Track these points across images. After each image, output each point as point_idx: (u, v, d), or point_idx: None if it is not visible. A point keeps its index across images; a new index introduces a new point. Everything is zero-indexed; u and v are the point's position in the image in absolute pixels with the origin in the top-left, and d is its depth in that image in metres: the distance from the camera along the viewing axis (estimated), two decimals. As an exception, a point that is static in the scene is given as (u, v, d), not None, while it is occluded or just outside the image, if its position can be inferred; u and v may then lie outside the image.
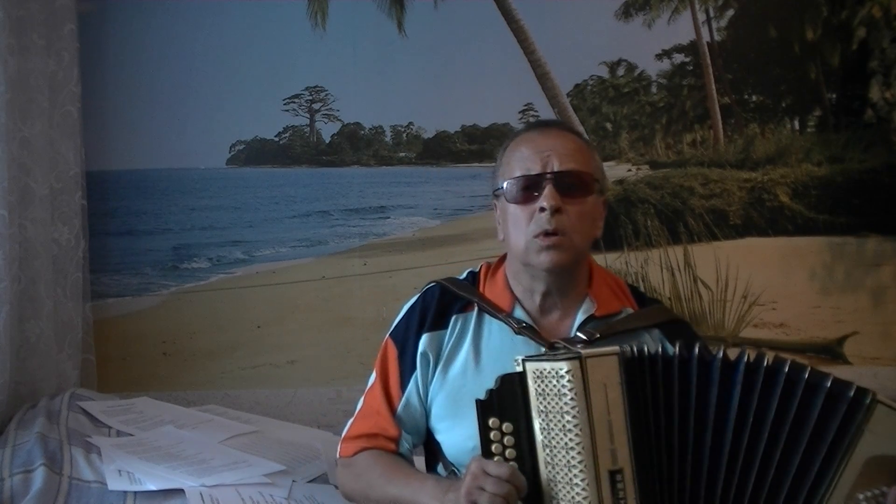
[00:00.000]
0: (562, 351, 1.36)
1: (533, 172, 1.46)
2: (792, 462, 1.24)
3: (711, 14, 2.70)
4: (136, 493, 1.83)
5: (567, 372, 1.23)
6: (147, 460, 1.96)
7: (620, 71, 2.77)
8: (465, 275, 1.64)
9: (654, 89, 2.78)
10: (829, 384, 1.23)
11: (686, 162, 2.74)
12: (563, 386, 1.23)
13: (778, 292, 2.67)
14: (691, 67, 2.73)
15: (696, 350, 1.28)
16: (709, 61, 2.72)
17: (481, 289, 1.58)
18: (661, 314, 1.56)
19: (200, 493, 1.81)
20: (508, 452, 1.27)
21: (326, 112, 2.82)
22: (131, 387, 2.63)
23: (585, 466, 1.22)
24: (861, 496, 1.20)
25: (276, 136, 2.84)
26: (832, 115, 2.71)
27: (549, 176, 1.45)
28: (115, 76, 2.70)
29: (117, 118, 2.71)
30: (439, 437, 1.55)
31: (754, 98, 2.75)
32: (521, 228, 1.47)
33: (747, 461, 1.25)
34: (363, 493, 1.53)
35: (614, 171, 2.77)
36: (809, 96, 2.72)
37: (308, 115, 2.82)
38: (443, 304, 1.56)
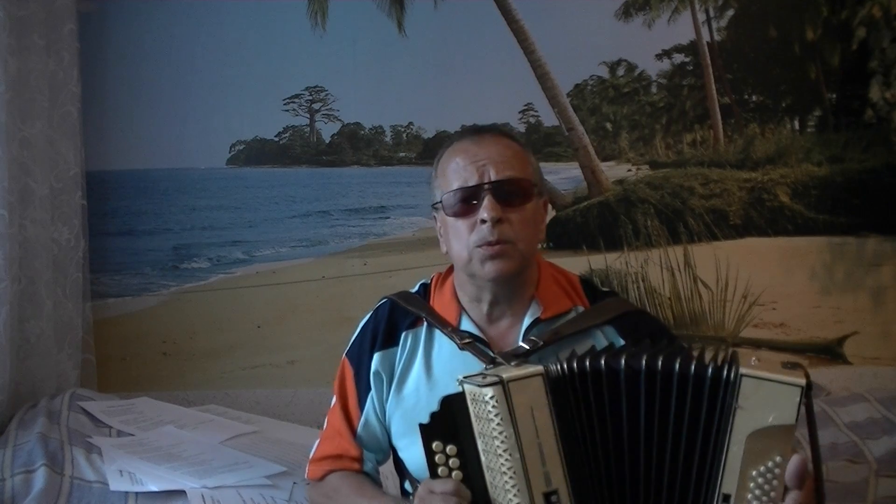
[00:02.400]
0: (498, 367, 1.32)
1: (470, 184, 1.42)
2: (687, 457, 1.21)
3: (711, 14, 2.70)
4: (137, 493, 1.83)
5: (491, 398, 1.20)
6: (148, 461, 1.96)
7: (620, 71, 2.77)
8: (417, 287, 1.61)
9: (654, 89, 2.78)
10: (692, 370, 1.20)
11: (686, 162, 2.75)
12: (489, 411, 1.20)
13: (778, 292, 2.67)
14: (691, 67, 2.73)
15: (623, 360, 1.23)
16: (709, 61, 2.72)
17: (431, 301, 1.56)
18: (613, 308, 1.50)
19: (202, 495, 1.81)
20: (455, 475, 1.24)
21: (326, 112, 2.82)
22: (131, 387, 2.63)
23: (519, 490, 1.19)
24: (754, 472, 1.16)
25: (276, 136, 2.84)
26: (832, 115, 2.71)
27: (486, 186, 1.41)
28: (115, 76, 2.70)
29: (117, 118, 2.71)
30: (402, 455, 1.54)
31: (754, 98, 2.75)
32: (462, 240, 1.43)
33: (660, 465, 1.23)
34: None
35: (614, 171, 2.77)
36: (809, 96, 2.72)
37: (308, 115, 2.82)
38: (392, 321, 1.54)
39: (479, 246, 1.41)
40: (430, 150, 2.85)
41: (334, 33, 2.71)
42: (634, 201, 2.72)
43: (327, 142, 2.87)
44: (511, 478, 1.20)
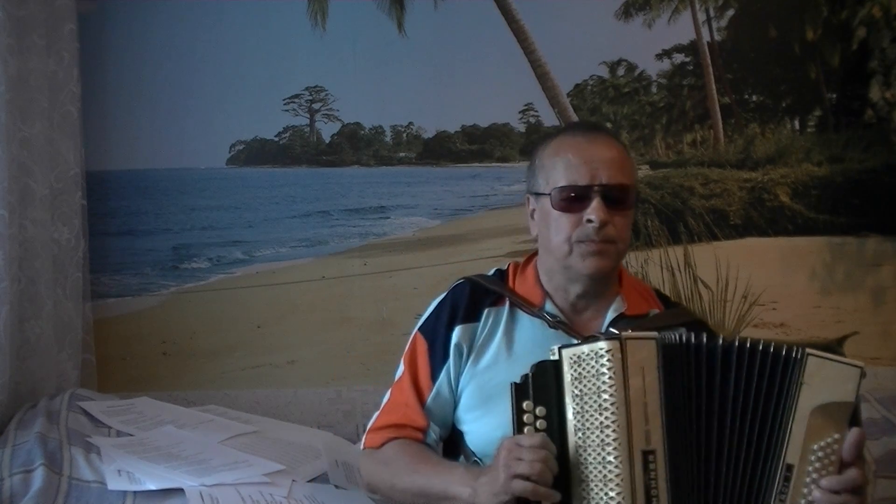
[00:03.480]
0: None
1: (581, 183, 1.48)
2: (761, 427, 1.30)
3: (711, 14, 2.70)
4: (135, 492, 1.83)
5: (607, 351, 1.26)
6: (147, 460, 1.95)
7: (620, 71, 2.77)
8: (492, 272, 1.67)
9: (654, 89, 2.78)
10: (771, 349, 1.31)
11: (686, 162, 2.75)
12: (602, 365, 1.27)
13: (778, 292, 2.67)
14: (691, 67, 2.73)
15: (721, 339, 1.33)
16: (709, 61, 2.72)
17: (511, 285, 1.62)
18: (684, 315, 1.63)
19: (200, 493, 1.81)
20: (541, 434, 1.29)
21: (326, 112, 2.82)
22: (131, 387, 2.63)
23: (619, 444, 1.25)
24: (815, 447, 1.25)
25: (276, 136, 2.84)
26: (832, 115, 2.71)
27: (597, 188, 1.47)
28: (115, 76, 2.70)
29: (117, 118, 2.71)
30: (465, 427, 1.58)
31: (754, 98, 2.75)
32: (564, 233, 1.50)
33: (741, 435, 1.31)
34: (389, 483, 1.54)
35: (614, 171, 2.77)
36: (809, 96, 2.72)
37: (308, 115, 2.82)
38: (474, 298, 1.59)
39: (582, 241, 1.48)
40: (430, 150, 2.85)
41: (334, 33, 2.71)
42: (634, 201, 2.72)
43: (327, 142, 2.87)
44: (614, 431, 1.25)
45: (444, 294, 1.65)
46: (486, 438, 1.49)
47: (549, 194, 1.51)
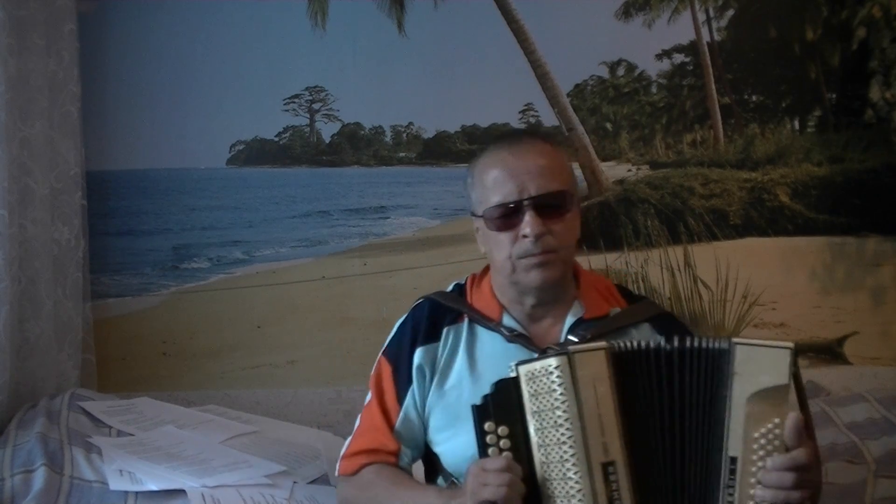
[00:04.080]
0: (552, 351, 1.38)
1: (511, 199, 1.45)
2: (701, 425, 1.30)
3: (711, 14, 2.70)
4: (137, 493, 1.83)
5: (556, 367, 1.26)
6: (148, 460, 1.96)
7: (620, 71, 2.77)
8: (452, 287, 1.64)
9: (654, 89, 2.78)
10: (694, 345, 1.31)
11: (686, 162, 2.75)
12: (553, 382, 1.27)
13: (778, 292, 2.67)
14: (691, 67, 2.73)
15: (676, 341, 1.32)
16: (709, 61, 2.72)
17: (469, 300, 1.59)
18: (648, 310, 1.58)
19: (202, 494, 1.81)
20: (505, 455, 1.29)
21: (326, 112, 2.82)
22: (131, 387, 2.63)
23: (578, 459, 1.25)
24: (757, 434, 1.24)
25: (276, 136, 2.84)
26: (832, 115, 2.71)
27: (527, 202, 1.44)
28: (115, 76, 2.70)
29: (117, 118, 2.70)
30: (438, 449, 1.56)
31: (754, 98, 2.75)
32: (504, 251, 1.47)
33: (682, 435, 1.31)
34: None
35: (614, 171, 2.77)
36: (809, 96, 2.72)
37: (308, 115, 2.82)
38: (434, 318, 1.57)
39: (523, 257, 1.45)
40: (430, 150, 2.85)
41: (334, 33, 2.71)
42: (634, 201, 2.72)
43: (327, 142, 2.87)
44: (571, 447, 1.25)
45: (406, 315, 1.63)
46: (460, 458, 1.47)
47: (483, 215, 1.49)
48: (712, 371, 1.29)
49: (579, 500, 1.25)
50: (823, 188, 2.68)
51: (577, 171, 2.74)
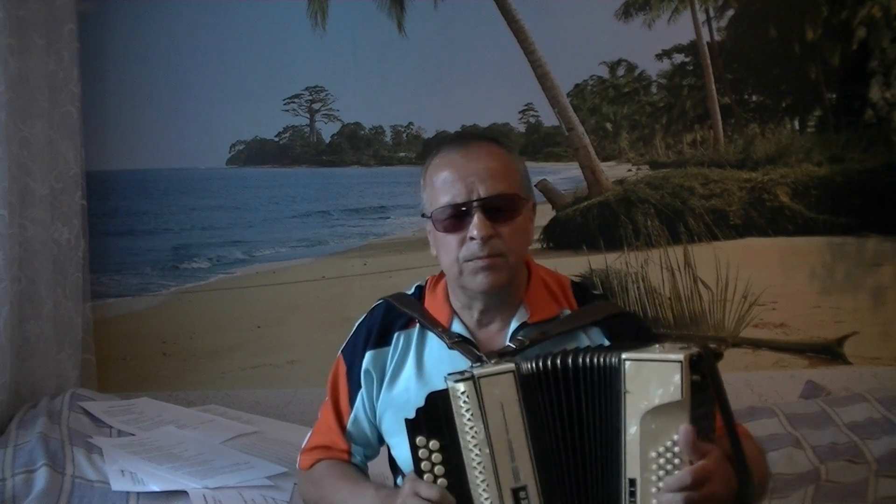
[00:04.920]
0: (484, 364, 1.34)
1: (459, 200, 1.42)
2: (598, 446, 1.25)
3: (711, 14, 2.70)
4: (139, 493, 1.83)
5: (462, 392, 1.23)
6: (149, 461, 1.96)
7: (620, 71, 2.77)
8: (413, 289, 1.63)
9: (654, 89, 2.78)
10: (582, 362, 1.25)
11: (686, 162, 2.75)
12: (461, 406, 1.24)
13: (778, 292, 2.67)
14: (691, 67, 2.73)
15: (571, 357, 1.27)
16: (709, 61, 2.72)
17: (425, 302, 1.57)
18: (599, 311, 1.51)
19: (204, 496, 1.81)
20: (437, 469, 1.26)
21: (326, 112, 2.82)
22: (131, 387, 2.63)
23: (488, 485, 1.23)
24: (654, 454, 1.18)
25: (276, 136, 2.84)
26: (832, 115, 2.71)
27: (475, 203, 1.41)
28: (115, 76, 2.70)
29: (117, 118, 2.71)
30: (394, 452, 1.57)
31: (754, 98, 2.76)
32: (452, 254, 1.44)
33: (583, 457, 1.26)
34: (318, 501, 1.56)
35: (614, 171, 2.77)
36: (809, 96, 2.72)
37: (308, 115, 2.82)
38: (386, 322, 1.56)
39: (469, 260, 1.42)
40: (430, 150, 2.84)
41: (334, 33, 2.71)
42: (634, 201, 2.72)
43: (327, 142, 2.87)
44: (481, 472, 1.23)
45: (364, 316, 1.62)
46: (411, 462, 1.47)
47: (431, 216, 1.47)
48: (606, 389, 1.23)
49: None
50: (823, 188, 2.68)
51: (577, 172, 2.75)
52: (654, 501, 1.18)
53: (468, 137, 1.56)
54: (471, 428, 1.23)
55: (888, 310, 2.66)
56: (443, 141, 1.57)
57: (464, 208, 1.42)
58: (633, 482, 1.19)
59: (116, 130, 2.71)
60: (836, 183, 2.68)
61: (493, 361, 1.34)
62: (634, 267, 2.69)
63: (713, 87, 2.73)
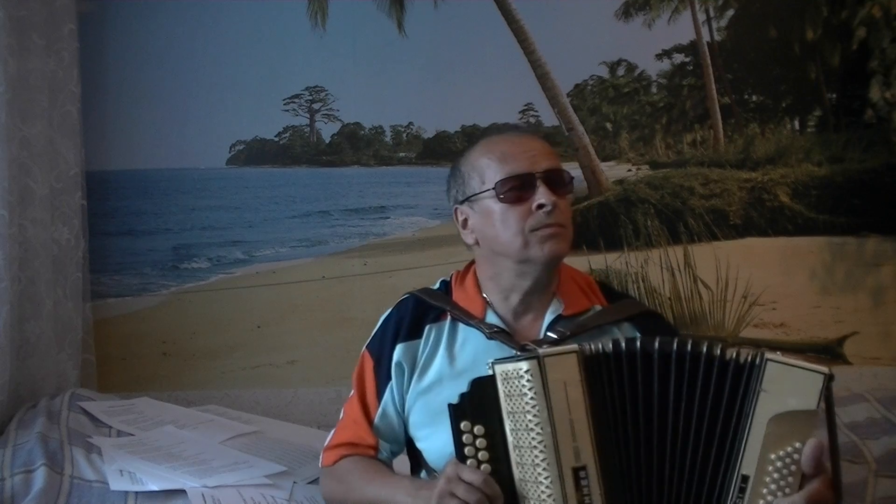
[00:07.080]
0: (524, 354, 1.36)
1: (523, 171, 1.46)
2: (709, 436, 1.25)
3: (711, 14, 2.70)
4: (137, 493, 1.83)
5: (526, 371, 1.24)
6: (148, 460, 1.96)
7: (620, 71, 2.77)
8: (438, 284, 1.65)
9: (654, 89, 2.78)
10: (720, 353, 1.25)
11: (686, 162, 2.75)
12: (524, 385, 1.25)
13: (778, 292, 2.67)
14: (691, 67, 2.73)
15: (657, 343, 1.28)
16: (709, 61, 2.72)
17: (454, 297, 1.59)
18: (631, 308, 1.57)
19: (202, 494, 1.81)
20: (481, 455, 1.28)
21: (326, 112, 2.82)
22: (131, 387, 2.63)
23: (548, 464, 1.24)
24: (773, 456, 1.20)
25: (276, 136, 2.84)
26: (832, 115, 2.71)
27: (539, 174, 1.46)
28: (115, 76, 2.70)
29: (117, 118, 2.71)
30: (420, 445, 1.57)
31: (754, 98, 2.76)
32: (513, 227, 1.46)
33: (685, 445, 1.27)
34: (343, 497, 1.56)
35: (614, 171, 2.77)
36: (809, 96, 2.72)
37: (308, 115, 2.82)
38: (417, 315, 1.58)
39: (537, 229, 1.45)
40: (430, 150, 2.85)
41: (334, 33, 2.71)
42: (634, 201, 2.72)
43: (327, 142, 2.87)
44: (542, 451, 1.23)
45: (390, 310, 1.63)
46: (441, 454, 1.47)
47: (494, 188, 1.48)
48: (728, 383, 1.24)
49: None
50: (823, 188, 2.68)
51: (577, 172, 2.75)
52: (762, 502, 1.20)
53: (518, 126, 1.63)
54: (533, 406, 1.24)
55: (888, 310, 2.66)
56: (483, 133, 1.63)
57: (528, 178, 1.46)
58: (745, 478, 1.21)
59: (116, 130, 2.71)
60: (836, 183, 2.68)
61: (544, 347, 1.35)
62: (634, 267, 2.69)
63: (713, 87, 2.73)
